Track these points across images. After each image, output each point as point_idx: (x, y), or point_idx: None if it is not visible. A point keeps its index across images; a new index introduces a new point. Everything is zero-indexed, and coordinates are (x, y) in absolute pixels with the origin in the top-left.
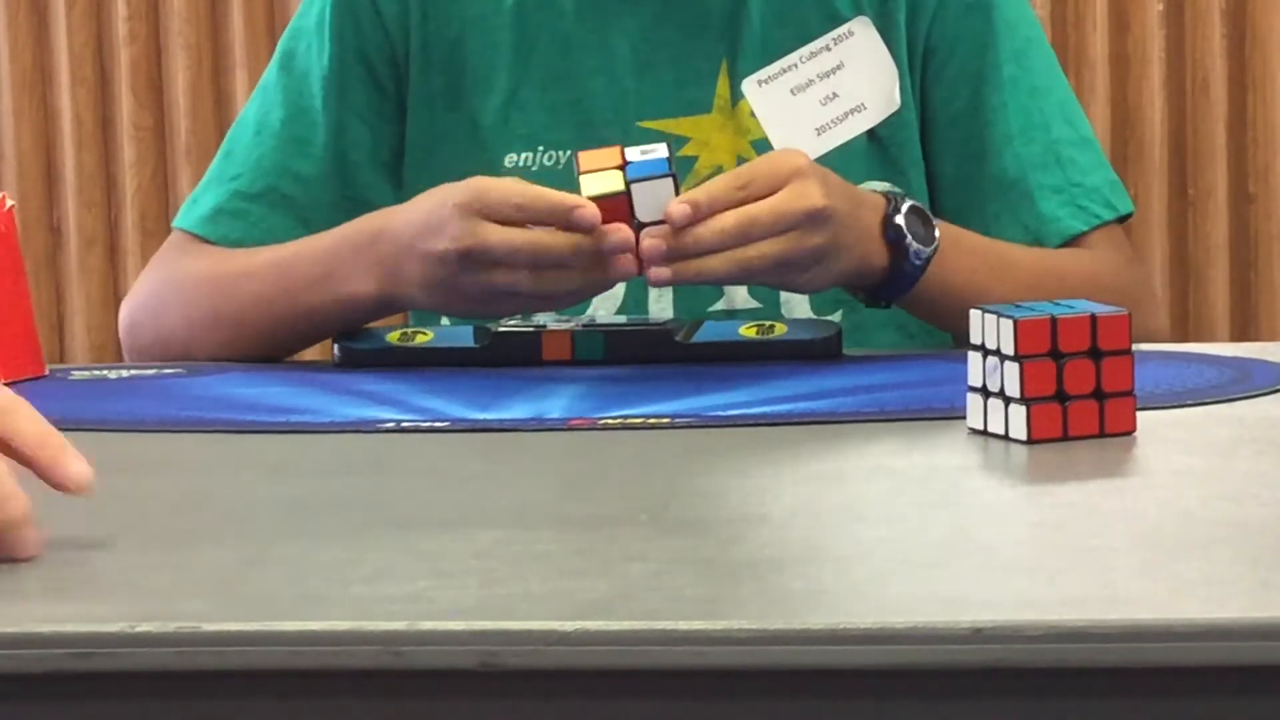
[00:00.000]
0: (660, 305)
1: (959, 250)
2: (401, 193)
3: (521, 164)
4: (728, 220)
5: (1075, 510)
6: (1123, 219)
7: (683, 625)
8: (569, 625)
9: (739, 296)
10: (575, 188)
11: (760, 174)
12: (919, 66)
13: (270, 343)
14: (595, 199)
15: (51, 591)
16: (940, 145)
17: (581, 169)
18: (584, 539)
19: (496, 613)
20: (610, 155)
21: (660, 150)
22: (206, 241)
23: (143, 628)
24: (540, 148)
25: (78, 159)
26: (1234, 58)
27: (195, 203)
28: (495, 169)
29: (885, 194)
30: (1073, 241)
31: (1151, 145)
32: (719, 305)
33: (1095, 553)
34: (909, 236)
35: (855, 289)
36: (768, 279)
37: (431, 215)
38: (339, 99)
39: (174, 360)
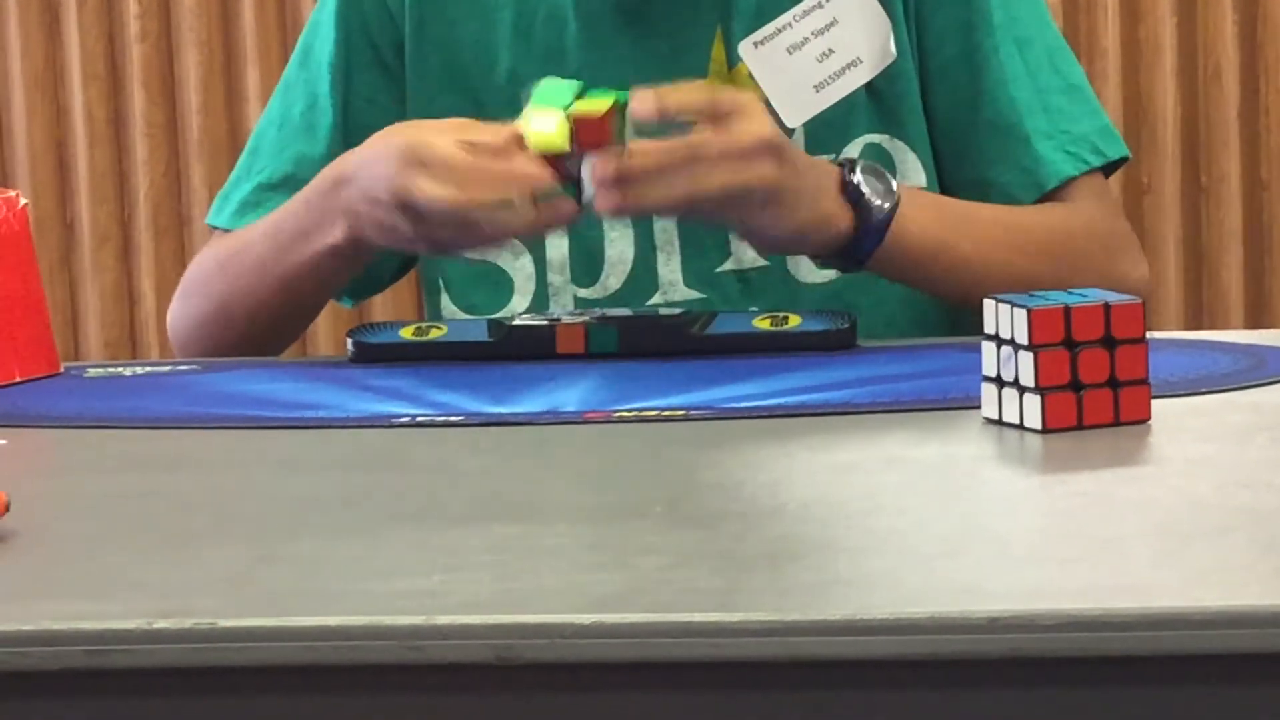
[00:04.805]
0: (670, 268)
1: (918, 206)
2: None
3: None
4: (675, 144)
5: (1090, 499)
6: (1115, 164)
7: (698, 617)
8: (584, 618)
9: (746, 256)
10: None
11: (716, 102)
12: (912, 15)
13: (280, 309)
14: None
15: (66, 589)
16: (933, 92)
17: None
18: (599, 532)
19: (512, 606)
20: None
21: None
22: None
23: (158, 624)
24: None
25: (90, 156)
26: (1246, 45)
27: (225, 199)
28: None
29: (837, 161)
30: (1067, 184)
31: (1164, 133)
32: (728, 265)
33: (1111, 541)
34: (867, 192)
35: (822, 254)
36: (722, 213)
37: (376, 160)
38: (346, 82)
39: (211, 344)
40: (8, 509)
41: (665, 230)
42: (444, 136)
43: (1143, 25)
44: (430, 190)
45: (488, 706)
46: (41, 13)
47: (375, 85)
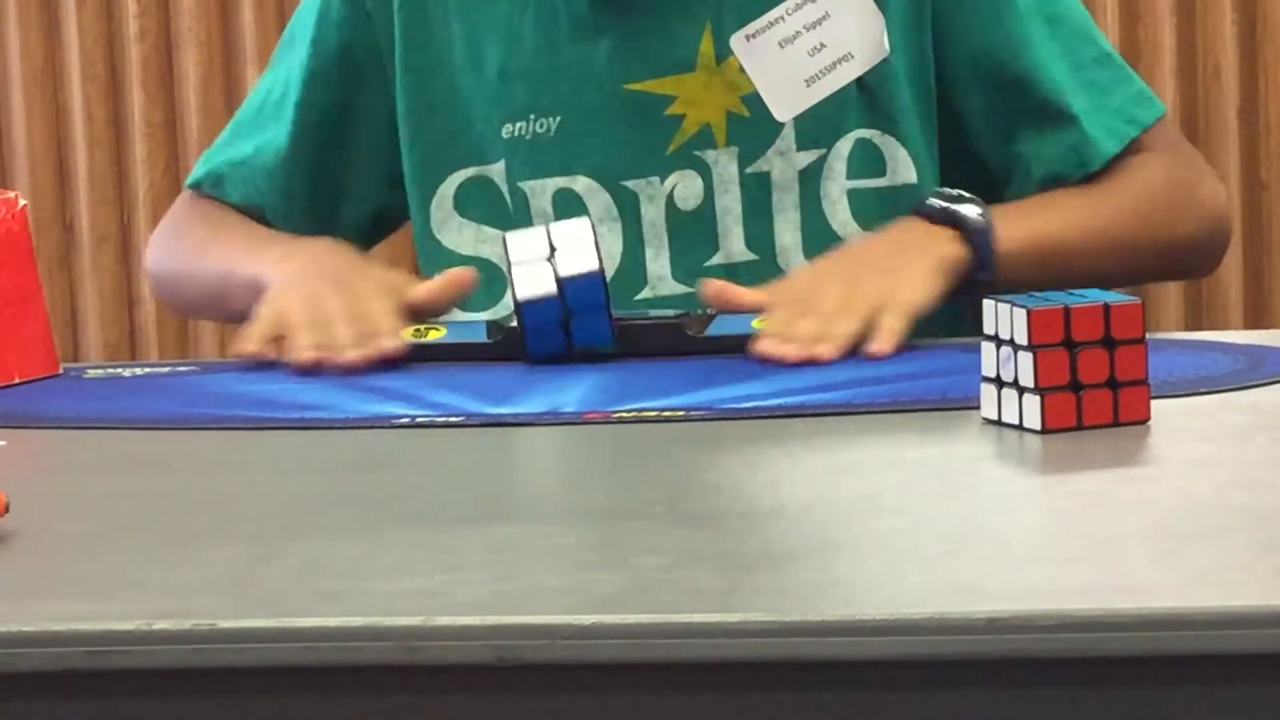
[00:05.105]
0: (659, 262)
1: (1004, 212)
2: (399, 163)
3: (516, 133)
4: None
5: (1090, 499)
6: (1154, 125)
7: (698, 618)
8: (585, 619)
9: (735, 250)
10: (570, 153)
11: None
12: (930, 8)
13: (218, 311)
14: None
15: (66, 589)
16: (965, 82)
17: (512, 259)
18: (599, 532)
19: (512, 607)
20: (538, 241)
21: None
22: (208, 199)
23: (158, 625)
24: (532, 116)
25: (89, 156)
26: (1245, 45)
27: (206, 161)
28: (492, 139)
29: (919, 209)
30: (1115, 161)
31: None
32: (716, 260)
33: (1110, 542)
34: (959, 208)
35: (959, 284)
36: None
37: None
38: (313, 85)
39: (174, 299)
40: (7, 510)
41: (654, 225)
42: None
43: (1141, 26)
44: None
45: (488, 707)
46: (40, 12)
47: (345, 89)
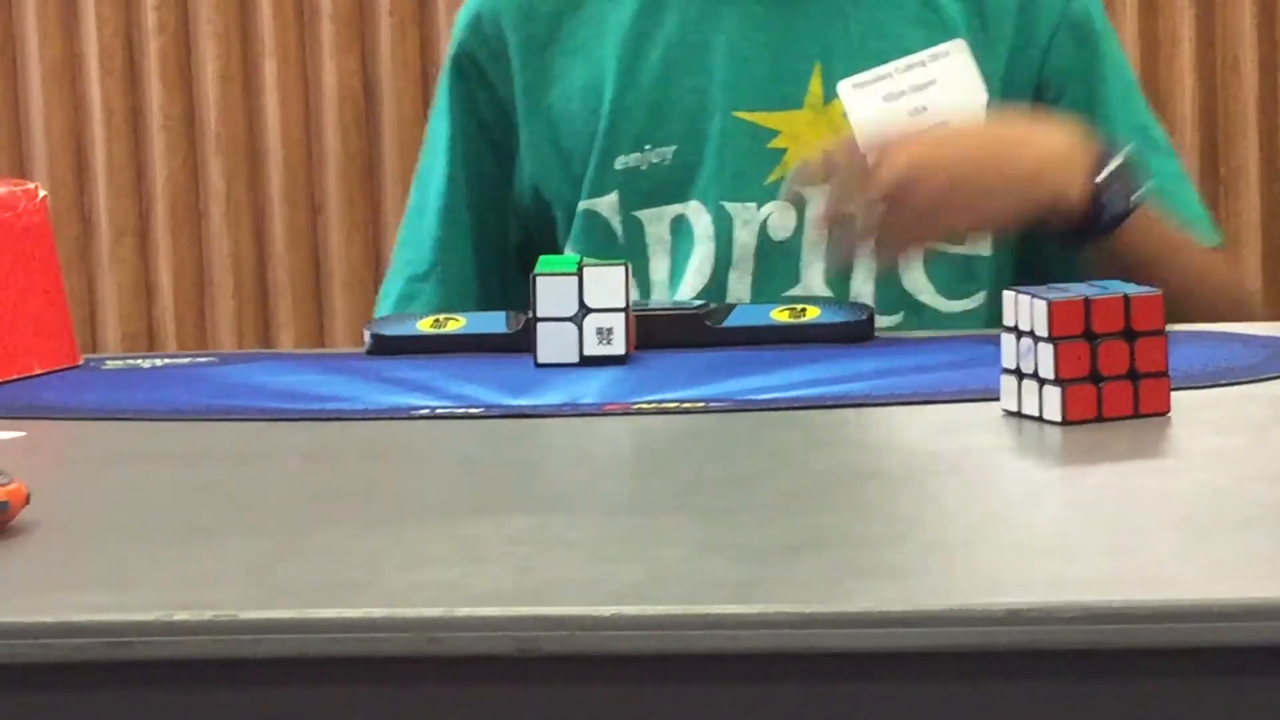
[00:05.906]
0: (741, 284)
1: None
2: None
3: (631, 164)
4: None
5: (1110, 491)
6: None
7: (717, 609)
8: (605, 610)
9: (815, 284)
10: (683, 180)
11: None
12: (1030, 94)
13: None
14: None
15: (88, 581)
16: None
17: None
18: (619, 524)
19: (532, 598)
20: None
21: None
22: None
23: (179, 616)
24: (647, 146)
25: (108, 149)
26: (1264, 36)
27: (384, 296)
28: (607, 170)
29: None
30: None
31: (1182, 125)
32: (795, 290)
33: (1130, 533)
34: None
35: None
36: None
37: None
38: (465, 164)
39: None
40: (28, 501)
41: (745, 249)
42: None
43: (1161, 17)
44: None
45: (508, 698)
46: (59, 6)
47: (485, 160)
